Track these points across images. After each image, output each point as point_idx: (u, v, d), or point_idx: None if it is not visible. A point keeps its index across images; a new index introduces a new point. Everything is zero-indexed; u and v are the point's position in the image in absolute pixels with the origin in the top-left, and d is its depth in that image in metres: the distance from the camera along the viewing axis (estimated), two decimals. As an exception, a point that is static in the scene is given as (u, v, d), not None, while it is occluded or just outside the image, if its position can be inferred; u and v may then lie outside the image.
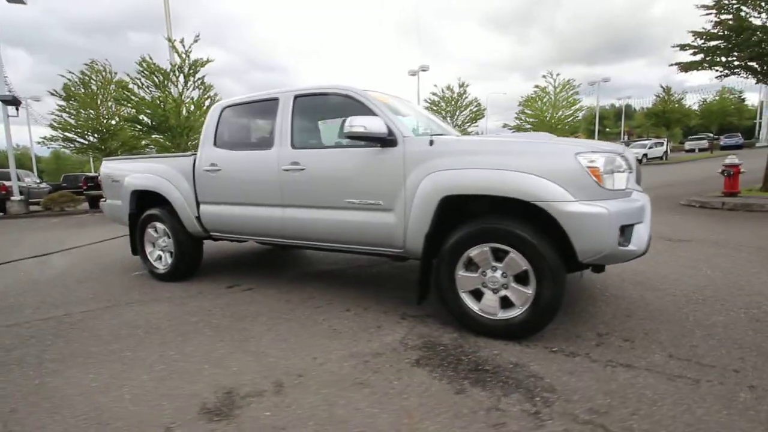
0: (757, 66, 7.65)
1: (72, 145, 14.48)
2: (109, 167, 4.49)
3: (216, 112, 3.69)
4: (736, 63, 7.97)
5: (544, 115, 19.75)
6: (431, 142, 2.61)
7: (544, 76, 19.69)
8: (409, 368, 2.20)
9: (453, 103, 17.82)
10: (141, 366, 2.33)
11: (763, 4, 7.35)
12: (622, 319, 2.72)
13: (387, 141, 2.72)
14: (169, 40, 11.81)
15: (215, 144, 3.63)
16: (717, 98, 28.64)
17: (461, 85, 17.82)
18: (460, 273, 2.54)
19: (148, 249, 4.22)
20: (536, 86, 19.88)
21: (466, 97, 17.86)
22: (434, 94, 18.43)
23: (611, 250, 2.19)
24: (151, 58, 11.89)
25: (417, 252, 2.71)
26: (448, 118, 17.08)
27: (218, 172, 3.53)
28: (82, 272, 4.68)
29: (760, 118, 31.63)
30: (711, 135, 32.57)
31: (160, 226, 4.04)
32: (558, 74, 19.38)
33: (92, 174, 20.39)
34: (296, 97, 3.25)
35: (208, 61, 12.39)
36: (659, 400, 1.84)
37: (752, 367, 2.09)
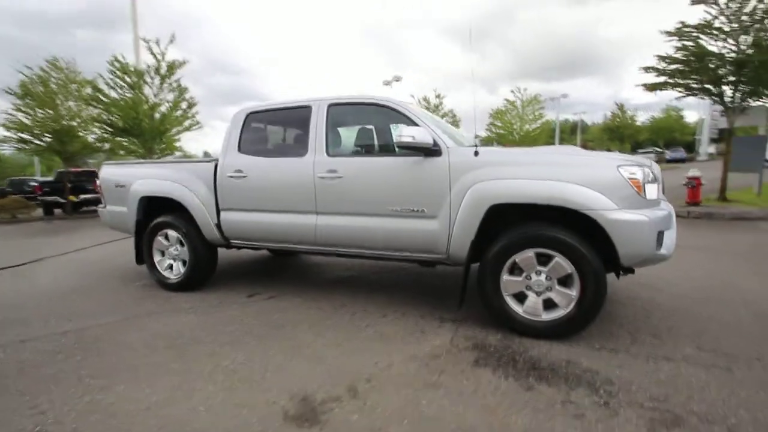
0: (713, 89, 8.52)
1: (26, 147, 13.36)
2: (113, 172, 4.27)
3: (240, 118, 3.64)
4: (694, 85, 8.84)
5: (513, 127, 20.72)
6: (476, 153, 2.75)
7: (512, 91, 20.73)
8: (472, 369, 2.29)
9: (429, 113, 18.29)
10: (199, 377, 2.26)
11: (717, 33, 8.24)
12: (643, 318, 2.97)
13: (432, 151, 2.83)
14: (145, 40, 11.33)
15: (240, 150, 3.58)
16: (663, 116, 31.47)
17: (437, 96, 18.39)
18: (505, 277, 2.68)
19: (157, 258, 4.04)
20: (506, 99, 20.88)
21: (442, 108, 18.40)
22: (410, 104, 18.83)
23: (650, 254, 2.42)
24: (124, 58, 11.33)
25: (460, 258, 2.83)
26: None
27: (244, 178, 3.48)
28: (76, 283, 4.39)
29: (700, 135, 34.87)
30: (657, 149, 35.49)
31: (172, 233, 3.89)
32: (525, 89, 20.51)
33: (45, 179, 18.90)
34: (330, 105, 3.29)
35: (184, 62, 12.00)
36: (705, 386, 2.06)
37: (770, 355, 2.36)
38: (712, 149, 32.36)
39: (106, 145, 14.38)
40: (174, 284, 3.91)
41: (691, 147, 40.28)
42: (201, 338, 2.80)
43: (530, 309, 2.64)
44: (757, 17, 7.46)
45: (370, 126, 3.39)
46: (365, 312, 3.21)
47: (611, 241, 2.40)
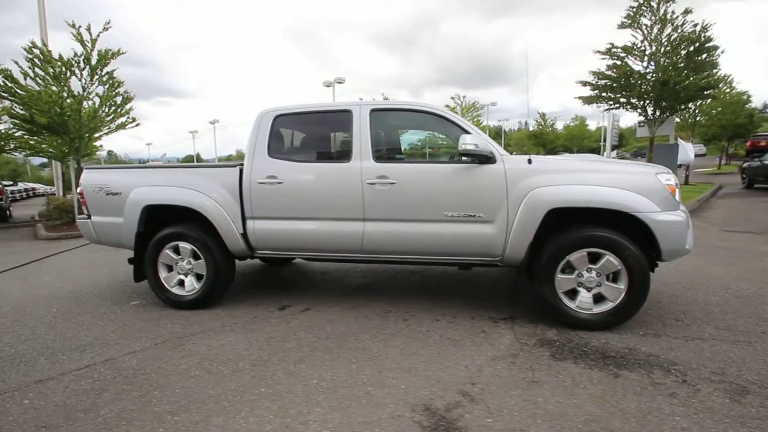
0: (638, 103, 9.88)
1: None
2: (102, 177, 3.72)
3: (268, 120, 3.42)
4: (622, 99, 10.17)
5: (454, 132, 21.87)
6: (530, 161, 2.94)
7: (452, 98, 21.87)
8: (555, 363, 2.46)
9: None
10: (296, 399, 2.13)
11: (639, 54, 9.58)
12: (658, 305, 3.40)
13: (487, 158, 2.96)
14: (73, 25, 9.82)
15: (270, 155, 3.37)
16: (576, 124, 35.62)
17: (385, 99, 18.70)
18: (559, 276, 2.91)
19: (163, 274, 3.62)
20: (447, 106, 21.98)
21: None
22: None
23: (682, 249, 2.80)
24: (44, 44, 9.75)
25: (515, 260, 3.00)
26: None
27: (279, 185, 3.29)
28: (49, 308, 3.76)
29: (604, 141, 39.90)
30: (569, 154, 39.85)
31: (185, 246, 3.52)
32: (464, 96, 21.75)
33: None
34: (373, 110, 3.26)
35: (119, 52, 10.67)
36: (743, 360, 2.45)
37: (770, 329, 2.88)
38: (614, 154, 37.27)
39: (10, 144, 12.31)
40: (189, 302, 3.55)
41: (595, 152, 46.04)
42: (265, 358, 2.61)
43: (582, 304, 2.90)
44: (674, 42, 8.83)
45: (414, 132, 3.42)
46: (415, 318, 3.23)
47: (655, 238, 2.74)
